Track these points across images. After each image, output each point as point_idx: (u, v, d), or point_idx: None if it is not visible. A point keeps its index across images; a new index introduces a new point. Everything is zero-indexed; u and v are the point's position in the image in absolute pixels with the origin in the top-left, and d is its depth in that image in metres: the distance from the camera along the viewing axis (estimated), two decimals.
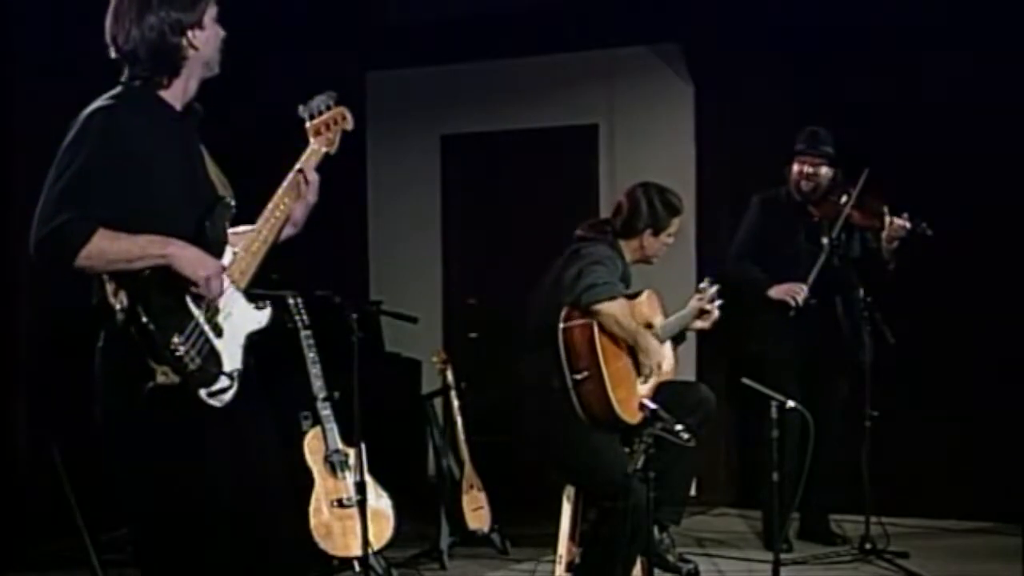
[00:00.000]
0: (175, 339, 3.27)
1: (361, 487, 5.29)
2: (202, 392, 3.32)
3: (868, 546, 6.40)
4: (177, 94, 3.50)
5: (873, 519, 6.40)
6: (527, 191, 8.84)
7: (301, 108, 3.65)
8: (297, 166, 3.62)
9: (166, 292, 3.31)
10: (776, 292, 6.60)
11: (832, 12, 7.58)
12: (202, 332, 3.34)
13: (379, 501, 5.93)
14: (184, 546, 3.45)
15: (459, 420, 6.77)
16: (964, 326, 7.42)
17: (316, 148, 3.65)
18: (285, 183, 3.59)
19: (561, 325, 5.02)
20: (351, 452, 5.85)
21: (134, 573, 6.01)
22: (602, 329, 5.01)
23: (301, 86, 8.07)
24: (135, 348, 3.28)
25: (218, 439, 3.41)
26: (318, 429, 5.94)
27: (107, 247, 3.27)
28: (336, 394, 5.97)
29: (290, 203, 3.58)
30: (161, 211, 3.37)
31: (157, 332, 3.26)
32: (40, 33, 6.80)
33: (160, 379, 3.27)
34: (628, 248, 5.39)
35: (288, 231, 3.65)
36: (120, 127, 3.36)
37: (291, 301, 5.85)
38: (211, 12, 3.49)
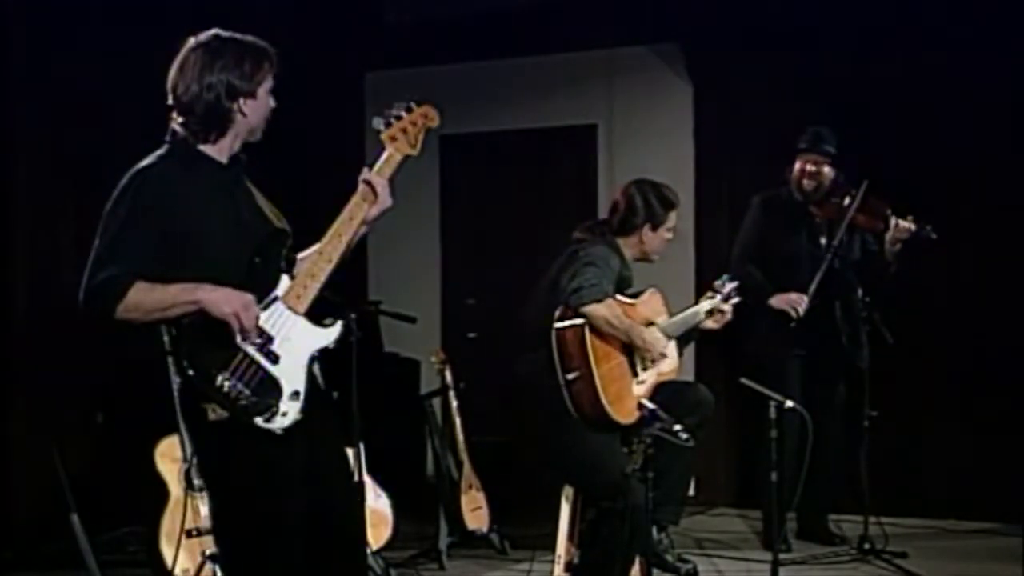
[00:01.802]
0: (219, 377, 3.46)
1: (360, 487, 5.28)
2: (258, 420, 3.49)
3: (867, 546, 6.40)
4: (223, 151, 3.69)
5: (872, 519, 6.41)
6: (526, 191, 8.84)
7: (375, 120, 3.80)
8: (364, 176, 3.73)
9: (209, 333, 3.49)
10: (777, 302, 6.58)
11: (832, 12, 7.59)
12: (252, 363, 3.51)
13: (378, 501, 5.94)
14: (267, 562, 3.63)
15: (458, 420, 6.77)
16: (963, 326, 7.43)
17: (392, 154, 3.77)
18: (354, 197, 3.72)
19: (555, 325, 5.03)
20: (350, 452, 5.83)
21: (134, 573, 6.06)
22: (593, 330, 5.01)
23: (301, 86, 8.08)
24: (188, 391, 3.53)
25: (291, 456, 3.58)
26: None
27: (143, 299, 3.48)
28: (335, 394, 5.95)
29: (359, 215, 3.71)
30: (208, 257, 3.55)
31: (197, 374, 3.46)
32: (40, 32, 6.80)
33: (211, 416, 3.49)
34: (627, 245, 5.39)
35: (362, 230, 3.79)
36: (155, 185, 3.56)
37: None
38: (266, 85, 3.69)
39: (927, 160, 7.39)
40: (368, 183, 3.71)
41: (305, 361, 3.62)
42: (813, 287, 6.45)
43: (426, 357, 7.53)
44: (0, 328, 6.73)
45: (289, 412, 3.53)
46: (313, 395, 3.63)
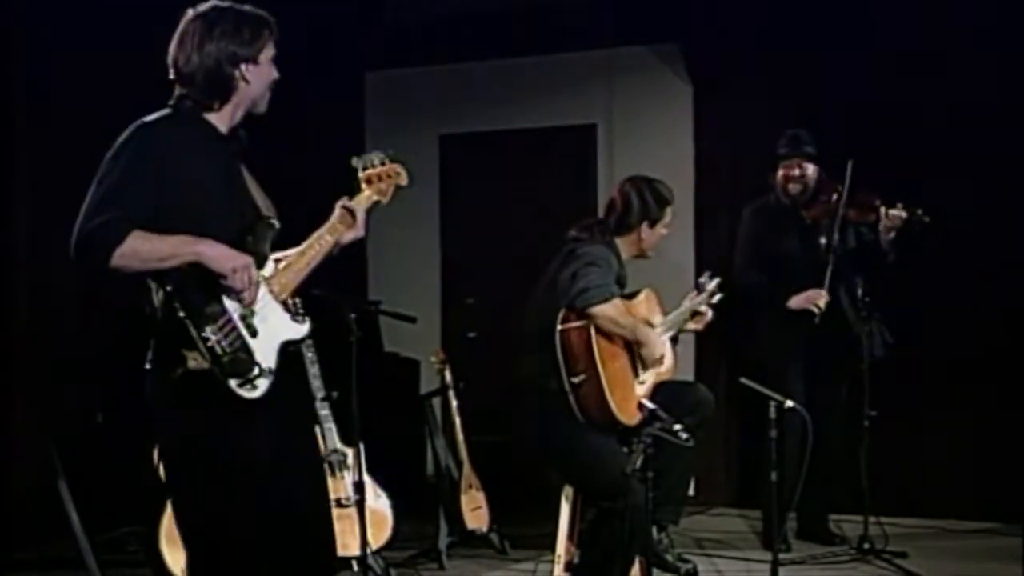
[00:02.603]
0: (208, 328, 3.46)
1: (359, 487, 5.29)
2: (232, 382, 3.48)
3: (867, 546, 6.40)
4: (224, 120, 3.71)
5: (872, 519, 6.40)
6: (526, 191, 8.85)
7: (355, 159, 3.94)
8: (343, 203, 3.84)
9: (201, 288, 3.49)
10: (797, 303, 6.57)
11: (832, 12, 7.59)
12: (235, 327, 3.52)
13: (377, 501, 5.93)
14: (222, 532, 3.59)
15: (458, 420, 6.77)
16: (963, 326, 7.42)
17: (368, 194, 3.91)
18: (333, 216, 3.82)
19: (558, 327, 5.02)
20: (349, 452, 5.85)
21: (133, 573, 6.06)
22: (599, 331, 5.01)
23: (300, 86, 8.09)
24: (170, 338, 3.48)
25: (254, 431, 3.56)
26: (316, 429, 5.93)
27: (140, 246, 3.45)
28: (334, 394, 5.97)
29: (338, 233, 3.81)
30: (200, 220, 3.55)
31: (190, 321, 3.45)
32: (40, 31, 6.80)
33: (191, 364, 3.46)
34: (625, 244, 5.39)
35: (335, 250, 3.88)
36: (159, 141, 3.56)
37: (289, 301, 5.83)
38: (267, 52, 3.71)
39: (927, 160, 7.39)
40: (349, 210, 3.82)
41: (277, 345, 3.63)
42: (827, 282, 6.45)
43: (426, 357, 7.53)
44: (0, 328, 6.74)
45: (260, 386, 3.52)
46: (285, 385, 3.62)
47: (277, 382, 3.57)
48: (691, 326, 5.66)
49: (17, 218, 6.62)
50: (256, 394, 3.51)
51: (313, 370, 5.93)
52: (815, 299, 6.51)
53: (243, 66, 3.66)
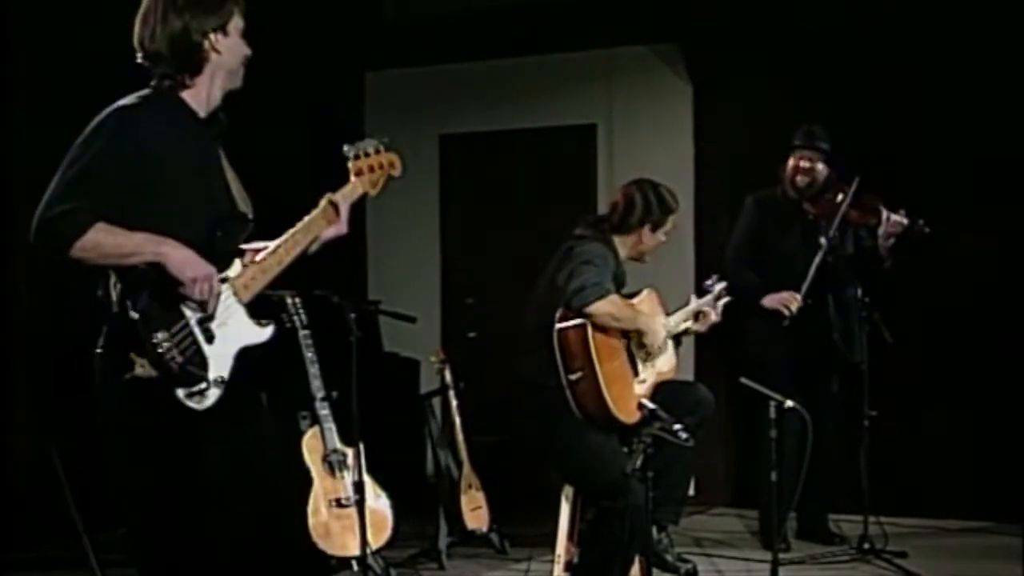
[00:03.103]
0: (159, 334, 3.34)
1: (359, 487, 5.29)
2: (180, 392, 3.37)
3: (866, 546, 6.40)
4: (201, 100, 3.59)
5: (871, 519, 6.40)
6: (525, 191, 8.85)
7: (347, 147, 3.78)
8: (330, 196, 3.72)
9: (161, 290, 3.37)
10: (769, 302, 6.58)
11: (832, 12, 7.59)
12: (190, 334, 3.40)
13: (377, 501, 5.93)
14: (168, 541, 3.53)
15: (457, 420, 6.77)
16: (963, 325, 7.43)
17: (356, 185, 3.77)
18: (316, 211, 3.68)
19: (556, 326, 5.02)
20: (349, 452, 5.85)
21: (132, 573, 6.04)
22: (596, 329, 5.01)
23: (300, 85, 8.08)
24: (122, 339, 3.36)
25: (205, 438, 3.44)
26: (316, 429, 5.93)
27: (103, 240, 3.33)
28: (334, 394, 5.97)
29: (317, 229, 3.67)
30: (171, 212, 3.44)
31: (141, 325, 3.33)
32: (39, 31, 6.80)
33: (138, 371, 3.34)
34: (623, 244, 5.39)
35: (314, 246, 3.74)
36: (135, 126, 3.44)
37: (289, 301, 5.85)
38: (236, 23, 3.60)
39: (926, 159, 7.39)
40: (332, 203, 3.69)
41: (235, 351, 3.48)
42: (807, 284, 6.45)
43: (426, 357, 7.52)
44: (0, 328, 6.74)
45: (210, 396, 3.40)
46: (244, 391, 3.50)
47: (237, 387, 3.45)
48: (694, 327, 5.66)
49: (17, 217, 6.63)
50: (205, 404, 3.39)
51: (313, 370, 5.93)
52: (787, 301, 6.50)
53: (212, 36, 3.54)
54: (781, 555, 5.51)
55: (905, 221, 6.42)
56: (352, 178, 3.78)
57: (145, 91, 3.55)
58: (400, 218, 8.85)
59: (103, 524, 6.16)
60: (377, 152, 3.83)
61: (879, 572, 6.24)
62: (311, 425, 5.95)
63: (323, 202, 3.70)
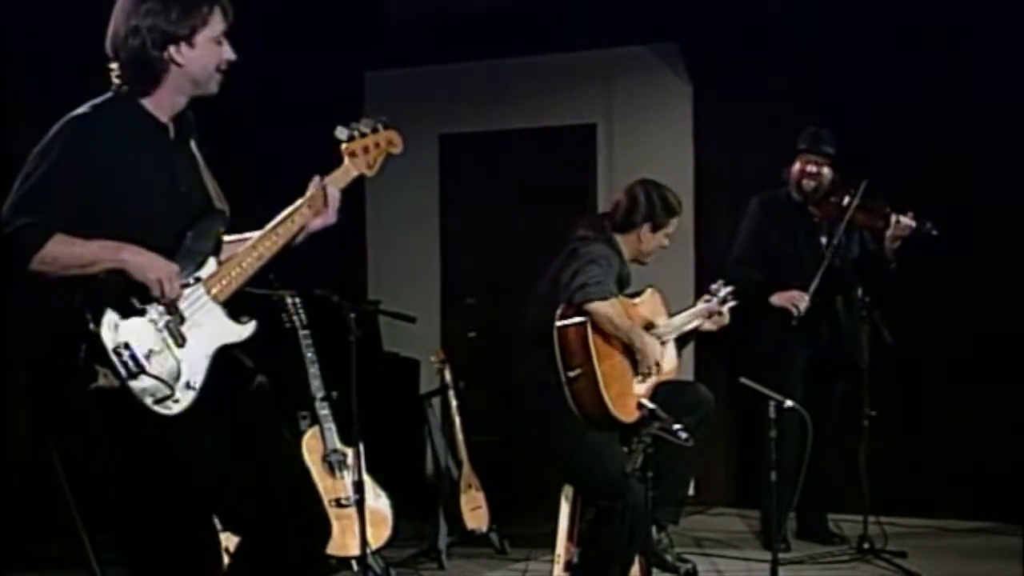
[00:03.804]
0: (120, 343, 3.29)
1: (359, 487, 5.30)
2: (147, 399, 3.30)
3: (866, 545, 6.40)
4: (162, 105, 3.49)
5: (871, 519, 6.40)
6: (525, 191, 8.84)
7: (340, 128, 3.65)
8: (319, 181, 3.61)
9: (122, 297, 3.32)
10: (778, 300, 6.58)
11: (832, 12, 7.59)
12: (157, 339, 3.34)
13: (377, 501, 5.93)
14: (151, 546, 3.47)
15: (457, 420, 6.77)
16: (963, 325, 7.42)
17: (348, 167, 3.65)
18: (302, 200, 3.58)
19: (556, 323, 5.02)
20: (349, 452, 5.85)
21: None
22: (596, 327, 5.01)
23: (300, 84, 8.08)
24: (86, 350, 3.33)
25: (183, 441, 3.38)
26: (316, 429, 5.94)
27: (61, 252, 3.30)
28: (334, 394, 5.97)
29: (302, 219, 3.57)
30: (134, 220, 3.37)
31: (104, 334, 3.28)
32: (40, 34, 6.80)
33: (101, 381, 3.31)
34: (626, 243, 5.39)
35: (299, 238, 3.63)
36: (90, 136, 3.37)
37: (289, 301, 5.85)
38: (206, 32, 3.44)
39: (926, 159, 7.39)
40: (323, 191, 3.59)
41: (210, 352, 3.40)
42: (814, 286, 6.45)
43: (426, 357, 7.53)
44: (0, 328, 6.73)
45: (181, 400, 3.32)
46: (231, 392, 3.44)
47: (216, 389, 3.39)
48: (707, 325, 5.67)
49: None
50: (176, 410, 3.32)
51: (313, 370, 5.93)
52: (795, 300, 6.50)
53: (172, 47, 3.39)
54: (781, 555, 5.51)
55: (913, 224, 6.41)
56: (345, 160, 3.66)
57: (101, 99, 3.46)
58: (400, 218, 8.85)
59: (103, 524, 6.17)
60: (374, 131, 3.71)
61: (879, 572, 6.24)
62: (311, 425, 5.96)
63: (312, 189, 3.60)
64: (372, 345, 7.92)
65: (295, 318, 5.87)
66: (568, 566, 5.19)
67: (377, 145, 3.70)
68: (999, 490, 7.08)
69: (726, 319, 5.66)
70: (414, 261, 9.04)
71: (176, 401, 3.33)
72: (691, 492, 6.92)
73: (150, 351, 3.32)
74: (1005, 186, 7.31)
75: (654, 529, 5.46)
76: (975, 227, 7.29)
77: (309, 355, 5.94)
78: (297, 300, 5.86)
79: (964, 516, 7.29)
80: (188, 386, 3.35)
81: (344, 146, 3.66)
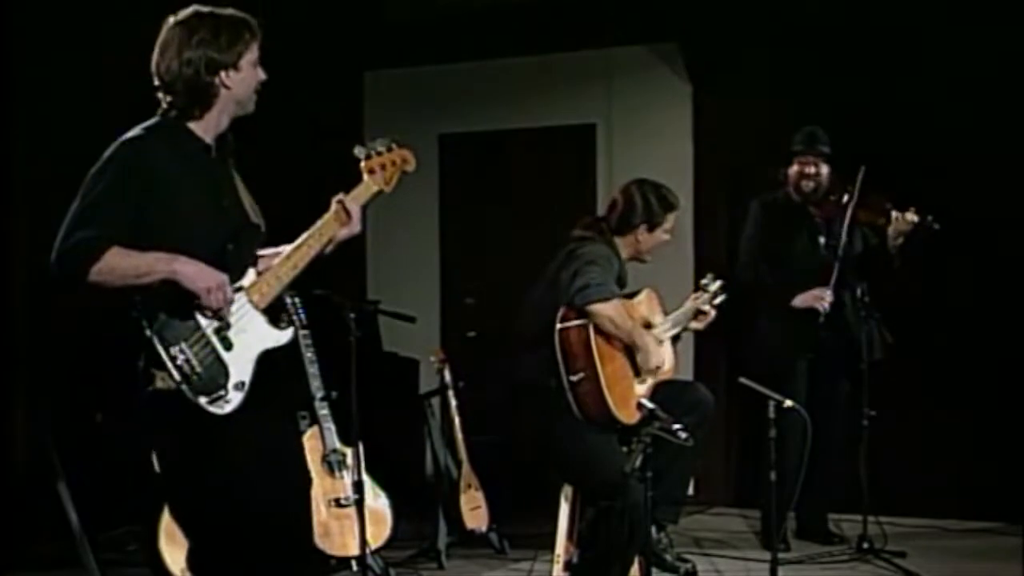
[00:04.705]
0: (175, 348, 3.51)
1: (359, 487, 5.30)
2: (202, 399, 3.52)
3: (866, 545, 6.40)
4: (208, 127, 3.72)
5: (871, 518, 6.40)
6: (525, 190, 8.84)
7: (358, 148, 3.88)
8: (341, 197, 3.82)
9: (175, 305, 3.53)
10: (802, 301, 6.55)
11: (831, 12, 7.59)
12: (208, 343, 3.56)
13: (377, 501, 5.93)
14: (212, 536, 3.68)
15: (457, 419, 6.77)
16: (963, 325, 7.42)
17: (368, 184, 3.87)
18: (328, 214, 3.78)
19: (557, 326, 5.02)
20: (349, 452, 5.85)
21: (132, 572, 6.06)
22: (598, 330, 5.01)
23: (300, 84, 8.07)
24: (143, 356, 3.53)
25: (232, 439, 3.59)
26: (316, 429, 5.94)
27: (118, 263, 3.50)
28: (334, 393, 5.97)
29: (329, 233, 3.78)
30: (182, 235, 3.59)
31: (159, 340, 3.50)
32: (40, 32, 6.80)
33: (159, 384, 3.51)
34: (624, 244, 5.39)
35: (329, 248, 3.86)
36: (143, 156, 3.60)
37: (288, 300, 5.84)
38: (248, 56, 3.72)
39: (926, 159, 7.38)
40: (343, 205, 3.80)
41: (255, 355, 3.63)
42: (834, 279, 6.44)
43: (425, 356, 7.53)
44: (0, 328, 6.74)
45: (232, 400, 3.56)
46: (270, 391, 3.65)
47: (259, 389, 3.60)
48: (693, 325, 5.67)
49: (17, 217, 6.63)
50: (228, 409, 3.55)
51: (312, 370, 5.93)
52: (821, 299, 6.50)
53: (223, 73, 3.66)
54: (780, 555, 5.52)
55: (915, 218, 6.41)
56: (365, 177, 3.87)
57: (151, 122, 3.69)
58: (399, 218, 8.85)
59: (103, 524, 6.18)
60: (389, 150, 3.91)
61: (878, 572, 6.24)
62: (310, 425, 5.96)
63: (334, 205, 3.80)
64: (372, 345, 7.92)
65: (295, 318, 5.87)
66: (568, 566, 5.19)
67: (393, 163, 3.92)
68: (999, 490, 7.08)
69: (711, 316, 5.65)
70: (414, 261, 9.04)
71: (228, 401, 3.55)
72: (690, 492, 6.93)
73: (202, 354, 3.54)
74: (1006, 186, 7.30)
75: (653, 529, 5.46)
76: (975, 226, 7.29)
77: (309, 355, 5.94)
78: (297, 300, 5.86)
79: (964, 516, 7.28)
80: (237, 387, 3.57)
81: (363, 164, 3.87)
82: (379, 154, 3.89)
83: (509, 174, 8.97)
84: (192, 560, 3.76)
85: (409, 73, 9.00)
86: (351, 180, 3.86)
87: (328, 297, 5.73)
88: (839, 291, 6.54)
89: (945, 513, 7.35)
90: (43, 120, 6.77)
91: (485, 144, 8.97)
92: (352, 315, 5.40)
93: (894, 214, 6.43)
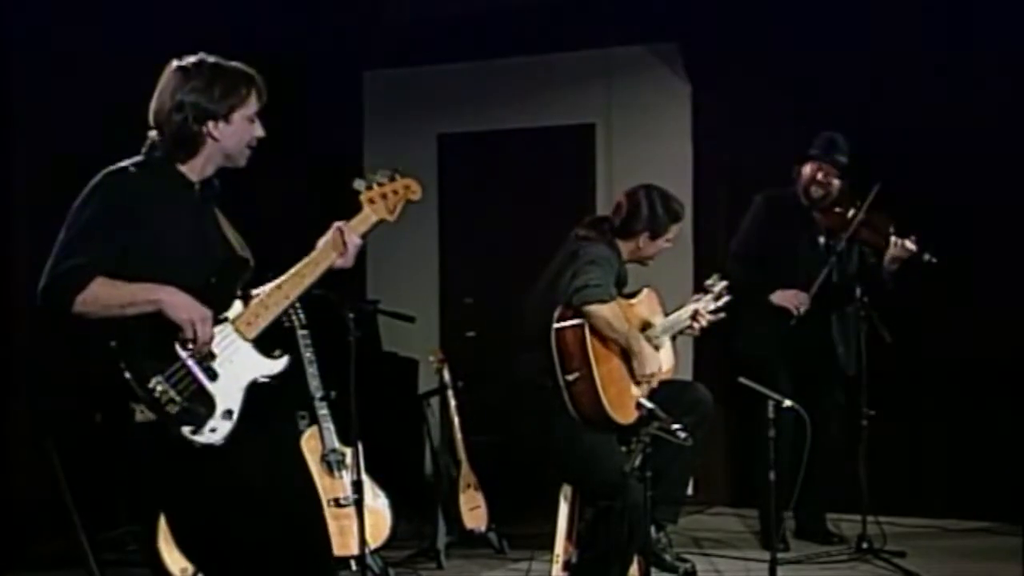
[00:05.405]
0: (154, 380, 3.48)
1: (358, 486, 5.29)
2: (184, 430, 3.50)
3: (865, 545, 6.40)
4: (195, 171, 3.72)
5: (870, 518, 6.40)
6: (524, 190, 8.84)
7: (357, 181, 3.85)
8: (340, 225, 3.78)
9: (153, 336, 3.52)
10: (779, 298, 6.56)
11: (831, 12, 7.59)
12: (188, 374, 3.53)
13: (376, 500, 5.93)
14: (217, 561, 3.70)
15: (456, 419, 6.77)
16: (962, 325, 7.42)
17: (368, 214, 3.85)
18: (323, 244, 3.76)
19: (554, 325, 5.02)
20: (348, 451, 5.85)
21: (132, 572, 6.06)
22: (594, 330, 5.01)
23: (299, 83, 8.05)
24: (121, 390, 3.51)
25: (228, 472, 3.58)
26: (315, 429, 5.94)
27: (102, 293, 3.49)
28: (333, 393, 5.97)
29: (325, 263, 3.75)
30: (165, 268, 3.57)
31: (133, 373, 3.48)
32: (40, 40, 6.80)
33: (139, 416, 3.50)
34: (625, 248, 5.39)
35: None
36: (127, 189, 3.60)
37: (294, 315, 5.85)
38: (243, 111, 3.70)
39: (926, 160, 7.38)
40: (341, 234, 3.77)
41: (243, 385, 3.61)
42: (815, 289, 6.44)
43: (424, 356, 7.52)
44: (0, 328, 6.74)
45: (219, 429, 3.54)
46: (266, 417, 3.65)
47: (254, 415, 3.58)
48: (695, 326, 5.64)
49: (17, 218, 6.63)
50: (216, 438, 3.53)
51: (311, 369, 5.93)
52: (797, 302, 6.49)
53: (210, 123, 3.65)
54: (779, 555, 5.52)
55: (913, 248, 6.39)
56: (365, 207, 3.85)
57: (137, 158, 3.69)
58: (398, 217, 8.84)
59: (103, 524, 6.18)
60: (392, 180, 3.91)
61: (877, 572, 6.24)
62: (310, 425, 5.96)
63: (332, 233, 3.77)
64: (371, 345, 7.91)
65: (294, 318, 5.87)
66: (567, 566, 5.19)
67: (396, 192, 3.92)
68: (999, 490, 7.08)
69: (706, 320, 5.62)
70: (413, 261, 9.03)
71: (213, 431, 3.53)
72: (690, 492, 6.94)
73: (181, 385, 3.52)
74: (1007, 188, 7.30)
75: (653, 529, 5.46)
76: (975, 226, 7.29)
77: (308, 355, 5.94)
78: (297, 306, 5.85)
79: (964, 516, 7.28)
80: (225, 415, 3.55)
81: (362, 196, 3.86)
82: (380, 185, 3.88)
83: (508, 174, 8.96)
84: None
85: (408, 73, 9.00)
86: (347, 180, 3.84)
87: (327, 297, 5.72)
88: (824, 306, 6.52)
89: (944, 513, 7.35)
90: (43, 119, 6.77)
91: (484, 144, 8.97)
92: (351, 315, 5.39)
93: (894, 239, 6.42)
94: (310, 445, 5.89)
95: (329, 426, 5.94)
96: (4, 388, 6.78)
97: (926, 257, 6.40)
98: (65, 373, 6.69)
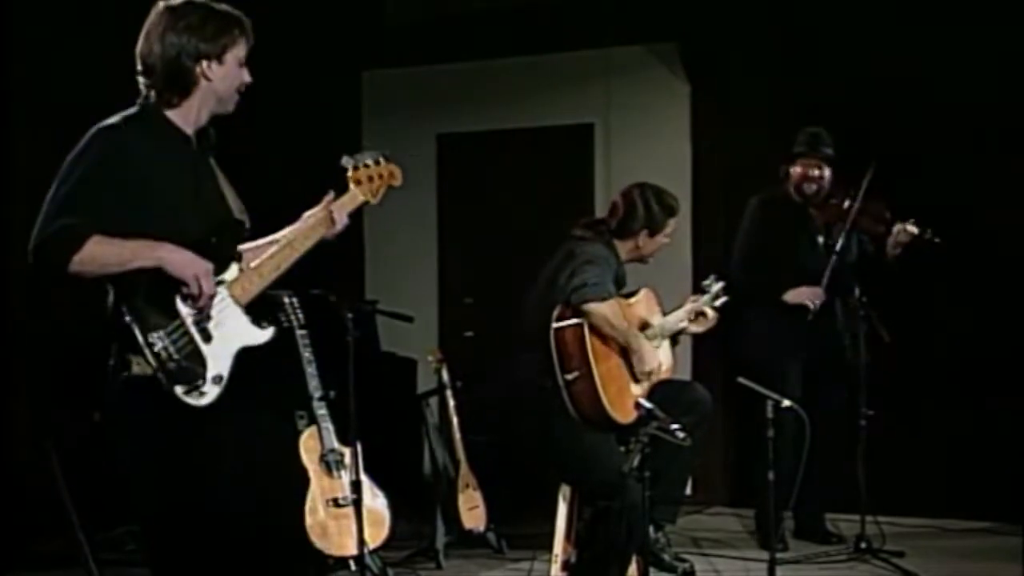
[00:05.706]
0: (153, 334, 3.44)
1: (357, 486, 5.29)
2: (178, 388, 3.46)
3: (864, 545, 6.40)
4: (188, 119, 3.67)
5: (869, 518, 6.40)
6: (523, 190, 8.84)
7: (345, 159, 3.87)
8: (328, 204, 3.80)
9: (154, 293, 3.46)
10: (794, 296, 6.56)
11: (831, 12, 7.59)
12: (186, 333, 3.49)
13: (375, 500, 5.92)
14: (175, 539, 3.61)
15: (455, 419, 6.77)
16: (962, 324, 7.43)
17: (355, 194, 3.86)
18: (312, 220, 3.78)
19: (553, 325, 5.02)
20: (347, 451, 5.85)
21: (131, 572, 6.05)
22: (593, 329, 5.01)
23: (298, 83, 8.06)
24: (119, 342, 3.46)
25: (206, 433, 3.53)
26: (314, 429, 5.93)
27: (100, 251, 3.42)
28: (332, 393, 5.97)
29: (316, 237, 3.77)
30: (162, 224, 3.51)
31: (136, 325, 3.43)
32: (39, 36, 6.80)
33: (135, 369, 3.45)
34: (623, 248, 5.39)
35: None
36: (120, 143, 3.53)
37: (286, 300, 5.85)
38: (234, 52, 3.66)
39: (926, 159, 7.38)
40: (330, 213, 3.79)
41: (234, 350, 3.57)
42: (825, 281, 6.45)
43: (423, 356, 7.53)
44: (0, 329, 6.75)
45: (209, 393, 3.49)
46: (245, 388, 3.59)
47: (237, 386, 3.54)
48: (693, 328, 5.65)
49: (17, 217, 6.63)
50: (204, 401, 3.48)
51: (310, 369, 5.93)
52: (813, 296, 6.50)
53: (204, 62, 3.60)
54: (778, 555, 5.52)
55: (915, 231, 6.41)
56: (351, 187, 3.86)
57: (129, 111, 3.63)
58: (397, 217, 8.84)
59: (102, 524, 6.17)
60: (377, 163, 3.91)
61: (876, 572, 6.24)
62: (308, 425, 5.95)
63: (323, 212, 3.78)
64: (370, 345, 7.92)
65: (292, 318, 5.87)
66: (566, 566, 5.18)
67: (380, 176, 3.91)
68: (998, 490, 7.08)
69: (711, 321, 5.63)
70: (411, 260, 9.04)
71: (204, 393, 3.49)
72: (688, 492, 6.93)
73: (180, 343, 3.47)
74: (1006, 186, 7.30)
75: (651, 529, 5.46)
76: (975, 226, 7.29)
77: (306, 355, 5.93)
78: (294, 299, 5.86)
79: (963, 516, 7.28)
80: (215, 380, 3.51)
81: (349, 174, 3.87)
82: (367, 166, 3.89)
83: (507, 174, 8.97)
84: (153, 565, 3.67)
85: (407, 73, 9.00)
86: (347, 179, 3.85)
87: (326, 297, 5.72)
88: (830, 295, 6.54)
89: (944, 513, 7.34)
90: (43, 121, 6.77)
91: (483, 144, 8.97)
92: (350, 315, 5.39)
93: (895, 226, 6.43)
94: (309, 445, 5.88)
95: (328, 426, 5.93)
96: (4, 388, 6.77)
97: (928, 235, 6.40)
98: (66, 372, 6.72)
